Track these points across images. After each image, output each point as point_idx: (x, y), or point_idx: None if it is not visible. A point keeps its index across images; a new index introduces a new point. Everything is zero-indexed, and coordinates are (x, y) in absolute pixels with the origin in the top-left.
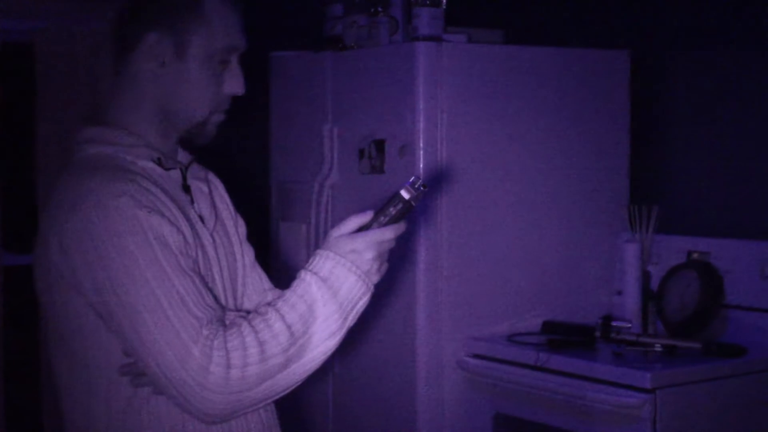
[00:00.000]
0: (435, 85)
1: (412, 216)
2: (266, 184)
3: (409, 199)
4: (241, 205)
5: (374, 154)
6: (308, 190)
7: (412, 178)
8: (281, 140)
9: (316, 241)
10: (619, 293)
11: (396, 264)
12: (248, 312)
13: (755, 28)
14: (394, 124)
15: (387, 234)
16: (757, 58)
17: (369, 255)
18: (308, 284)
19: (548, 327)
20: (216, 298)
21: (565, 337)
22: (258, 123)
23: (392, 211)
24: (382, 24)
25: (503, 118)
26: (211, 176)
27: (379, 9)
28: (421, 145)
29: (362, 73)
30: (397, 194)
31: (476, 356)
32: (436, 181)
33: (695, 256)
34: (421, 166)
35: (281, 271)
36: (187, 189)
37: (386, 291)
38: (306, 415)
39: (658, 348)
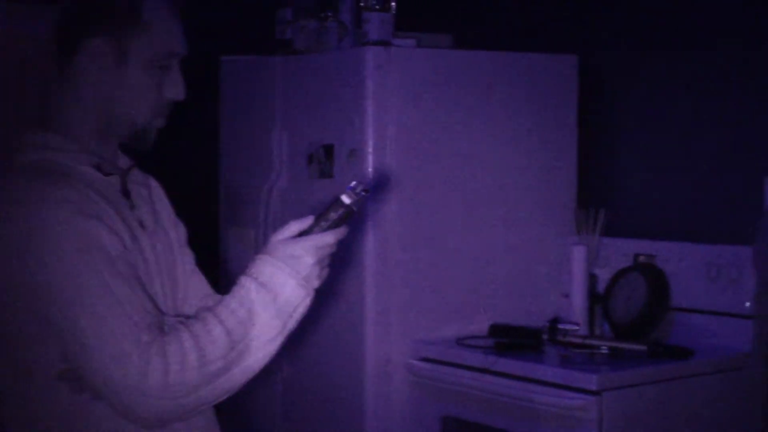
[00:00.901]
0: (384, 90)
1: (362, 219)
2: (215, 189)
3: (350, 204)
4: (189, 210)
5: (323, 159)
6: (257, 194)
7: (353, 183)
8: (230, 144)
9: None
10: (567, 296)
11: (344, 267)
12: (188, 317)
13: (702, 33)
14: (343, 129)
15: (327, 239)
16: (703, 62)
17: (309, 260)
18: (248, 289)
19: (496, 330)
20: (155, 304)
21: (512, 339)
22: (208, 127)
23: (333, 215)
24: (332, 28)
25: (452, 122)
26: (152, 181)
27: (329, 14)
28: (370, 149)
29: (312, 78)
30: (338, 199)
31: (424, 359)
32: (385, 185)
33: (641, 258)
34: (370, 170)
35: (230, 277)
36: (126, 194)
37: (335, 294)
38: (254, 418)
39: (604, 350)
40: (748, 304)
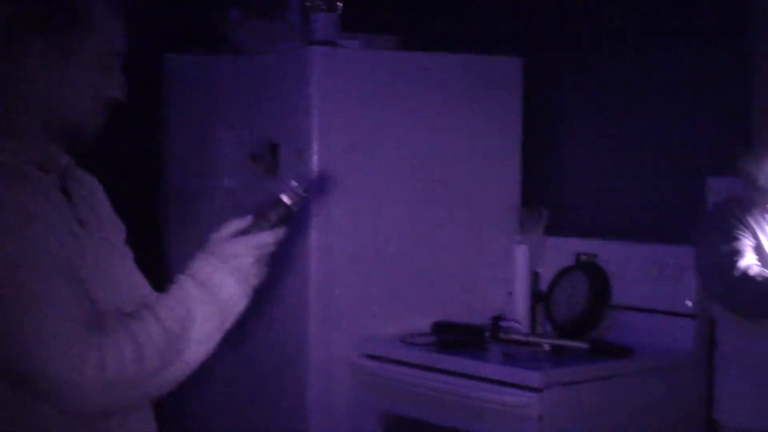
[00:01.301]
0: (329, 90)
1: (306, 218)
2: (159, 188)
3: (290, 204)
4: (131, 209)
5: (268, 158)
6: (201, 193)
7: (294, 184)
8: (175, 143)
9: None
10: (510, 294)
11: (289, 266)
12: (127, 315)
13: (647, 36)
14: (288, 128)
15: (267, 238)
16: (647, 64)
17: (248, 259)
18: (186, 288)
19: (439, 327)
20: (94, 302)
21: (455, 337)
22: (152, 126)
23: (273, 215)
24: (279, 28)
25: (397, 122)
26: (91, 179)
27: (276, 13)
28: (315, 149)
29: (257, 77)
30: (279, 199)
31: (368, 356)
32: (330, 184)
33: (583, 257)
34: (315, 170)
35: (172, 276)
36: (66, 192)
37: (279, 293)
38: (196, 416)
39: (546, 348)
40: (689, 303)
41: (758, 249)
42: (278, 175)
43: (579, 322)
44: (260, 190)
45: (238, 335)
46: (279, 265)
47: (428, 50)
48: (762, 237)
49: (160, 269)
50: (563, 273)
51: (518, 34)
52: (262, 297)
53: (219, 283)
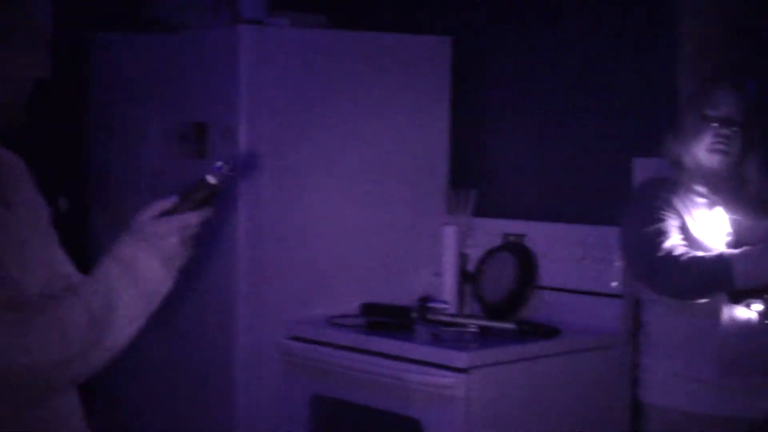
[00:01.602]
0: (257, 69)
1: (233, 198)
2: (85, 169)
3: (215, 184)
4: (57, 189)
5: (195, 138)
6: (128, 174)
7: (220, 164)
8: (102, 123)
9: None
10: (438, 275)
11: (216, 247)
12: (50, 297)
13: (573, 18)
14: (215, 108)
15: (192, 219)
16: (574, 46)
17: (173, 240)
18: (110, 269)
19: (367, 309)
20: (16, 283)
21: (383, 318)
22: (79, 106)
23: (198, 196)
24: (206, 6)
25: (325, 102)
26: (15, 159)
27: None
28: (243, 129)
29: (185, 56)
30: (204, 179)
31: (295, 338)
32: (258, 164)
33: (511, 238)
34: (243, 150)
35: (98, 257)
36: None
37: (206, 274)
38: (123, 398)
39: (473, 329)
40: (615, 283)
41: (683, 229)
42: (205, 155)
43: (506, 302)
44: (187, 170)
45: (165, 317)
46: (206, 247)
47: (356, 29)
48: (687, 217)
49: (86, 250)
50: (491, 254)
51: (447, 13)
52: (190, 279)
53: (143, 264)
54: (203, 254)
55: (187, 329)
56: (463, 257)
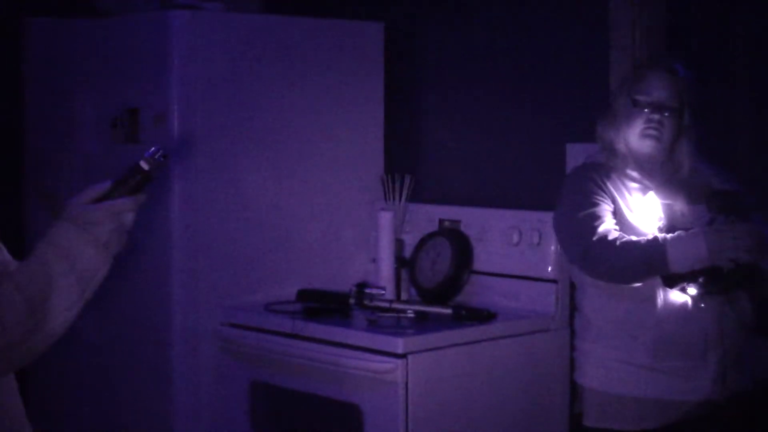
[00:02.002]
0: (190, 54)
1: (168, 184)
2: (19, 154)
3: (148, 170)
4: None
5: (128, 123)
6: (62, 159)
7: (153, 149)
8: (35, 108)
9: None
10: (374, 261)
11: (150, 233)
12: None
13: (504, 4)
14: (148, 93)
15: (126, 205)
16: (508, 30)
17: (108, 226)
18: (45, 256)
19: (304, 295)
20: None
21: (320, 304)
22: (11, 90)
23: (131, 181)
24: None
25: (259, 87)
26: None
27: None
28: (176, 114)
29: (117, 41)
30: (137, 165)
31: (232, 325)
32: (192, 149)
33: (446, 224)
34: (176, 135)
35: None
36: None
37: (142, 261)
38: (58, 384)
39: (410, 314)
40: (550, 268)
41: (616, 214)
42: (139, 141)
43: (443, 287)
44: (121, 155)
45: (101, 303)
46: (141, 232)
47: (290, 14)
48: (620, 202)
49: (22, 237)
50: (426, 239)
51: None
52: (126, 265)
53: (79, 250)
54: (138, 240)
55: (123, 315)
56: (399, 243)
